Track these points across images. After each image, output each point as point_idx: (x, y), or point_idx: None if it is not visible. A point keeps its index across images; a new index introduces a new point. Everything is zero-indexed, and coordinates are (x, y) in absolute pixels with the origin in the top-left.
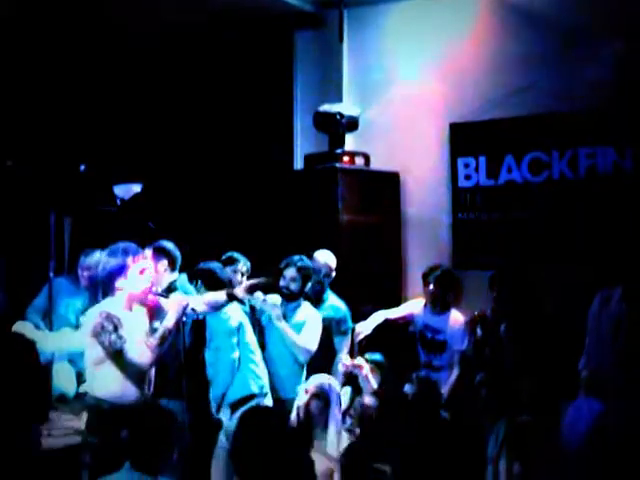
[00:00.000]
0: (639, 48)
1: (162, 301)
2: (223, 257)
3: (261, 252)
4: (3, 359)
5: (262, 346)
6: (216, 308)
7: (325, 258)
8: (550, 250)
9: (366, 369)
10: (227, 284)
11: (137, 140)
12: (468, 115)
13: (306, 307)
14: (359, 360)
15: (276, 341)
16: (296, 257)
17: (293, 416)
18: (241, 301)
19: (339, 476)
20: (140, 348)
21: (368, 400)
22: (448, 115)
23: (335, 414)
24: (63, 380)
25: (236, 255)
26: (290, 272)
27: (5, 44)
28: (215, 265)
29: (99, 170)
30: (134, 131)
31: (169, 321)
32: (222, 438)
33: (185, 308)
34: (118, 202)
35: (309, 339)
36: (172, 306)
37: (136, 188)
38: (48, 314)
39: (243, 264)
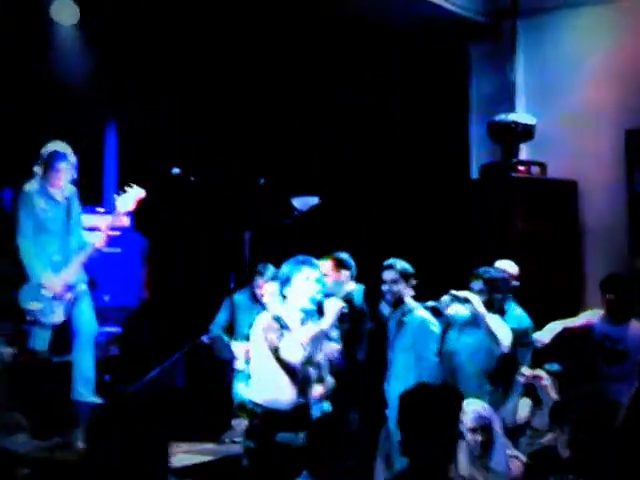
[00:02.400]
0: None
1: (326, 303)
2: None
3: (437, 262)
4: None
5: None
6: None
7: (506, 268)
8: None
9: (546, 380)
10: None
11: (314, 153)
12: None
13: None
14: (538, 371)
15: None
16: (482, 269)
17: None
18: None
19: None
20: (294, 346)
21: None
22: (624, 122)
23: (501, 441)
24: (242, 388)
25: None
26: (477, 285)
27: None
28: None
29: (278, 182)
30: (311, 145)
31: (325, 322)
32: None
33: (343, 310)
34: (296, 214)
35: (506, 334)
36: (331, 308)
37: (314, 200)
38: (230, 329)
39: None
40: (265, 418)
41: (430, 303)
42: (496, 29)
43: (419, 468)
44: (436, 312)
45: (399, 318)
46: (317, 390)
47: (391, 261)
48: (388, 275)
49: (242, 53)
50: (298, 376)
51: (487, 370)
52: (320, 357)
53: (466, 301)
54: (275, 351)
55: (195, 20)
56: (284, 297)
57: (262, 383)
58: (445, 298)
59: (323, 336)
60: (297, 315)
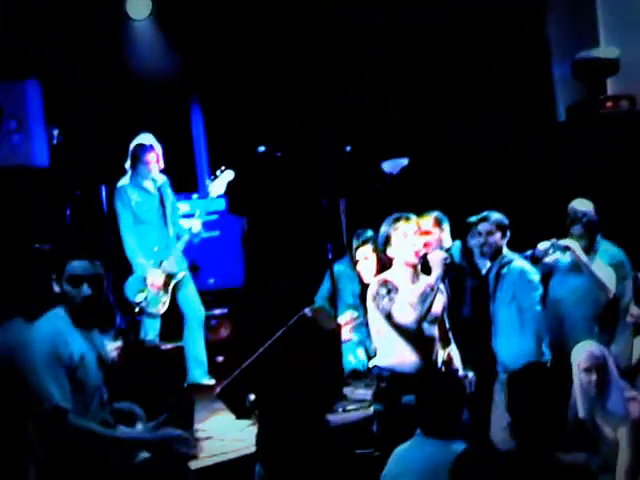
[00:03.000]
0: None
1: (429, 257)
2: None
3: (530, 211)
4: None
5: None
6: None
7: (585, 206)
8: None
9: None
10: None
11: (399, 113)
12: None
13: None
14: None
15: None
16: (580, 212)
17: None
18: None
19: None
20: (404, 308)
21: None
22: None
23: (618, 383)
24: (353, 356)
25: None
26: (577, 229)
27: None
28: None
29: (366, 148)
30: (394, 104)
31: (432, 277)
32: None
33: (446, 261)
34: (387, 179)
35: (610, 278)
36: (435, 261)
37: (404, 162)
38: (332, 299)
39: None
40: (392, 382)
41: (529, 252)
42: None
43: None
44: (535, 260)
45: (498, 270)
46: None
47: (485, 213)
48: (483, 227)
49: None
50: (417, 337)
51: (595, 315)
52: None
53: (567, 249)
54: (388, 317)
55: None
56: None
57: (384, 348)
58: (544, 245)
59: (432, 291)
60: (405, 273)
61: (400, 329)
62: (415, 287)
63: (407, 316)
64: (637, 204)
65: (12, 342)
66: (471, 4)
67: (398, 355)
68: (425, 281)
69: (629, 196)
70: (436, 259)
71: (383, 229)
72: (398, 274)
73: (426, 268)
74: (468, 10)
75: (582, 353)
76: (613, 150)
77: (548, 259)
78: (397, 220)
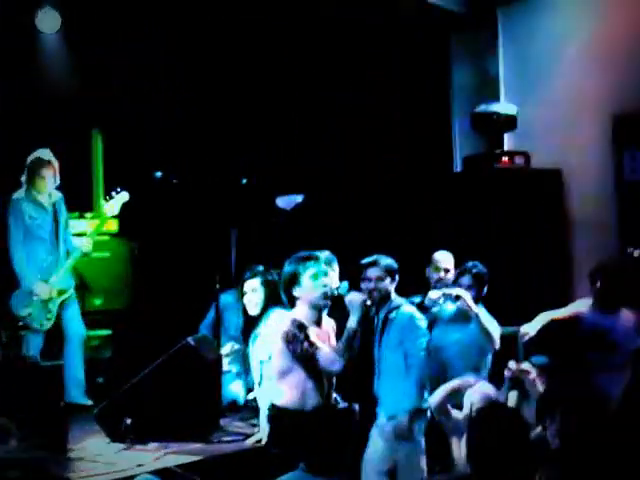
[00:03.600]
0: None
1: (349, 300)
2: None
3: (421, 256)
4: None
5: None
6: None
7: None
8: None
9: (533, 374)
10: None
11: (298, 151)
12: (632, 106)
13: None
14: (525, 365)
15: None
16: (470, 264)
17: None
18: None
19: None
20: (330, 355)
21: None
22: (610, 107)
23: None
24: (233, 388)
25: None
26: (466, 280)
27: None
28: None
29: (261, 182)
30: (295, 142)
31: (352, 322)
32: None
33: (365, 303)
34: (280, 214)
35: (495, 329)
36: (354, 304)
37: (297, 199)
38: (216, 330)
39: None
40: (294, 420)
41: (416, 299)
42: (476, 19)
43: None
44: (423, 309)
45: (385, 315)
46: None
47: (374, 257)
48: (373, 272)
49: (220, 58)
50: (328, 379)
51: (476, 366)
52: None
53: (458, 298)
54: (308, 360)
55: (175, 21)
56: (292, 298)
57: (288, 388)
58: (435, 294)
59: (355, 335)
60: (313, 314)
61: (319, 373)
62: (325, 330)
63: (335, 364)
64: (526, 258)
65: None
66: (373, 53)
67: (302, 395)
68: (329, 323)
69: (517, 249)
70: (356, 301)
71: (290, 267)
72: (306, 315)
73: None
74: (370, 57)
75: (477, 394)
76: (506, 204)
77: (435, 308)
78: (306, 259)
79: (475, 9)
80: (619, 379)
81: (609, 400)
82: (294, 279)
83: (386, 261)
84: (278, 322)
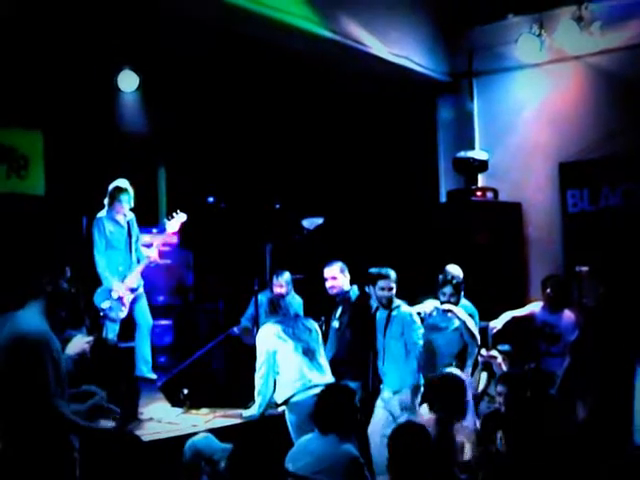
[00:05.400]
0: None
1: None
2: (374, 272)
3: (414, 269)
4: None
5: None
6: None
7: (456, 270)
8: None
9: (499, 359)
10: None
11: (320, 183)
12: (573, 156)
13: (458, 309)
14: (493, 352)
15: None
16: (450, 276)
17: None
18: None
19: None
20: None
21: (499, 388)
22: (558, 156)
23: (471, 404)
24: None
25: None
26: (448, 289)
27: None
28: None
29: (290, 207)
30: (317, 176)
31: None
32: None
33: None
34: (305, 232)
35: (474, 326)
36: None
37: (319, 221)
38: (255, 322)
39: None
40: None
41: (418, 309)
42: (457, 86)
43: None
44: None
45: (389, 313)
46: None
47: (385, 271)
48: (385, 284)
49: (252, 111)
50: None
51: (455, 353)
52: None
53: (450, 312)
54: None
55: (223, 87)
56: None
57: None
58: (429, 309)
59: None
60: None
61: None
62: None
63: None
64: (494, 270)
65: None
66: (381, 112)
67: None
68: None
69: (487, 263)
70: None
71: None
72: None
73: (331, 305)
74: (378, 115)
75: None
76: (479, 228)
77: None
78: None
79: (456, 79)
80: (561, 363)
81: (553, 378)
82: None
83: (393, 275)
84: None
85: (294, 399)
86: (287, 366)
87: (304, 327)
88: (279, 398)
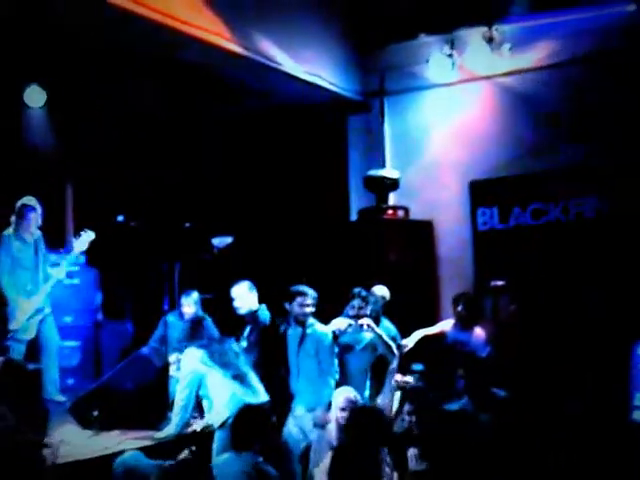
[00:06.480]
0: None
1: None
2: (293, 289)
3: (325, 287)
4: None
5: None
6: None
7: (381, 291)
8: (550, 276)
9: (412, 382)
10: None
11: (230, 201)
12: (483, 175)
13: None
14: (408, 377)
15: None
16: (357, 290)
17: (334, 428)
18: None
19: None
20: None
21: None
22: (468, 175)
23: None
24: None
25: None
26: (357, 302)
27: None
28: None
29: (200, 225)
30: (227, 194)
31: None
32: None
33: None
34: (215, 251)
35: (392, 344)
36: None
37: (228, 239)
38: (164, 341)
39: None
40: None
41: (332, 327)
42: (368, 105)
43: None
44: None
45: (303, 331)
46: None
47: (302, 288)
48: (303, 300)
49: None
50: None
51: (370, 373)
52: None
53: (368, 326)
54: None
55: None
56: None
57: None
58: (344, 325)
59: None
60: None
61: None
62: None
63: None
64: (406, 288)
65: None
66: (292, 130)
67: None
68: None
69: (398, 281)
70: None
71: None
72: None
73: (238, 324)
74: (289, 134)
75: (340, 397)
76: (390, 247)
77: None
78: None
79: (367, 97)
80: None
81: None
82: None
83: (312, 292)
84: None
85: (230, 421)
86: (219, 391)
87: (232, 351)
88: (216, 421)
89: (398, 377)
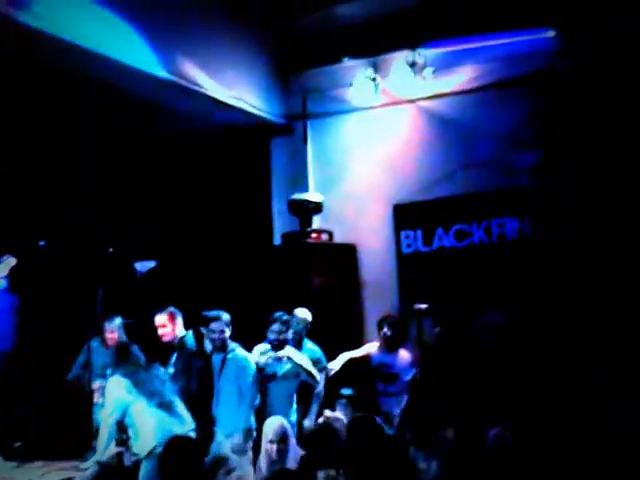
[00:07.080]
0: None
1: None
2: (207, 314)
3: (250, 311)
4: None
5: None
6: None
7: (303, 314)
8: (473, 298)
9: (342, 420)
10: None
11: (152, 225)
12: (407, 198)
13: (291, 350)
14: (337, 413)
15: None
16: (278, 314)
17: (264, 460)
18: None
19: None
20: None
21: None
22: (392, 198)
23: (295, 449)
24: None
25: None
26: (277, 326)
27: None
28: None
29: (123, 250)
30: (150, 219)
31: None
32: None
33: None
34: (138, 275)
35: (316, 371)
36: None
37: (151, 264)
38: (87, 368)
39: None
40: None
41: (254, 357)
42: (291, 128)
43: None
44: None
45: (224, 356)
46: None
47: (217, 313)
48: (217, 326)
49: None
50: None
51: (295, 397)
52: None
53: (288, 358)
54: None
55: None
56: None
57: None
58: (264, 358)
59: None
60: None
61: None
62: None
63: None
64: (330, 311)
65: None
66: (212, 153)
67: None
68: None
69: (323, 304)
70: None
71: None
72: None
73: (164, 351)
74: (209, 157)
75: (269, 427)
76: (315, 271)
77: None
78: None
79: (290, 120)
80: (399, 402)
81: (392, 417)
82: None
83: (226, 316)
84: None
85: (157, 450)
86: (144, 420)
87: (158, 379)
88: (142, 450)
89: (328, 412)
